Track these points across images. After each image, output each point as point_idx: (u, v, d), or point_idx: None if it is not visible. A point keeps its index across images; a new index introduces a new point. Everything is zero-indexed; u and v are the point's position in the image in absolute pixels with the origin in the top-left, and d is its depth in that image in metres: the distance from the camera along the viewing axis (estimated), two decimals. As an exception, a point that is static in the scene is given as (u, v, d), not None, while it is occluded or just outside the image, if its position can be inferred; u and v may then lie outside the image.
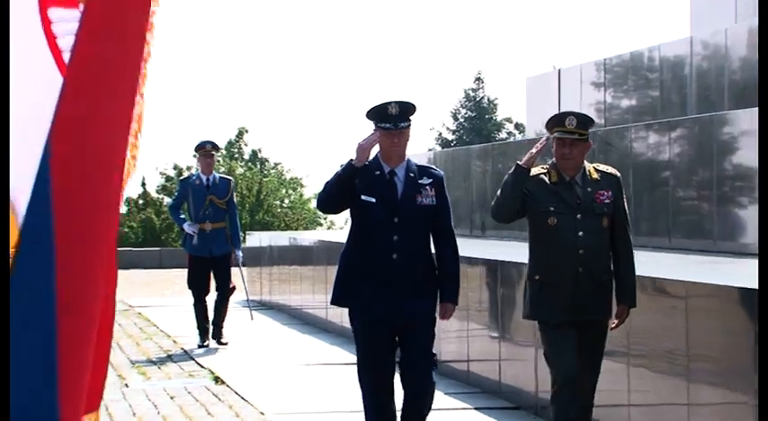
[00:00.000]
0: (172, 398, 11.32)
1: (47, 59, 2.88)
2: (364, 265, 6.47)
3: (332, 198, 6.42)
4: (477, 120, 63.02)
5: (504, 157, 20.15)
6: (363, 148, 6.17)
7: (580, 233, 6.40)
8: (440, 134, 62.67)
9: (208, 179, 14.70)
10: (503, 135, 64.01)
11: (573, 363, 6.35)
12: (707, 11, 21.09)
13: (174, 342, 16.24)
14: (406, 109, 6.33)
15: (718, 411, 7.51)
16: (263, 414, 11.01)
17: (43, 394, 3.07)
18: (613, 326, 6.54)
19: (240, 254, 15.37)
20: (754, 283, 6.55)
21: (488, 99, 66.07)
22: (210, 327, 14.73)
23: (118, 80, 2.85)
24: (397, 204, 6.40)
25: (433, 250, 6.95)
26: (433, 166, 6.77)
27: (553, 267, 6.51)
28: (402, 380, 6.53)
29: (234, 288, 15.13)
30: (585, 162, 6.59)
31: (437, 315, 6.70)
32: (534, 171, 6.52)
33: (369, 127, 7.23)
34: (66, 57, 2.79)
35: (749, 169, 12.65)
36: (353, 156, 6.18)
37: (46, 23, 2.85)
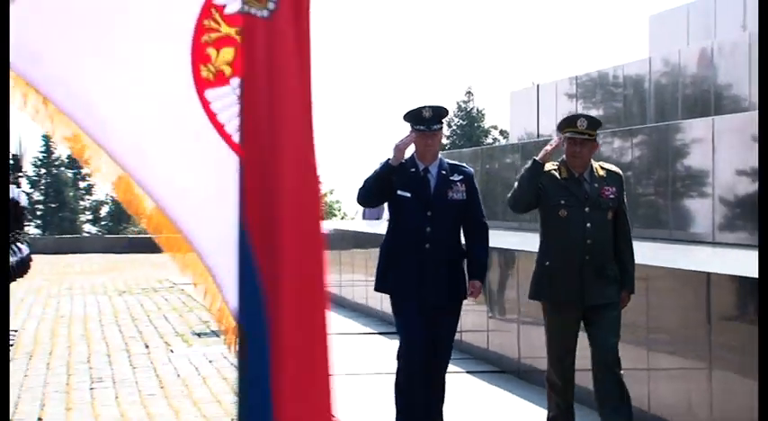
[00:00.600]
0: (210, 362, 11.39)
1: (215, 139, 2.71)
2: (400, 254, 6.33)
3: (371, 193, 6.29)
4: (468, 127, 63.96)
5: (491, 160, 21.22)
6: (399, 149, 6.07)
7: (588, 224, 6.19)
8: (436, 139, 63.74)
9: None
10: (489, 140, 64.58)
11: (566, 343, 6.26)
12: (663, 34, 21.65)
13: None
14: (439, 113, 6.23)
15: (674, 375, 7.58)
16: None
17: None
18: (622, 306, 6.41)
19: None
20: (703, 266, 6.76)
21: (477, 109, 66.90)
22: None
23: (291, 139, 2.66)
24: (430, 199, 6.25)
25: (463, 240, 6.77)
26: (464, 164, 6.57)
27: (562, 255, 6.28)
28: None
29: None
30: (592, 160, 6.40)
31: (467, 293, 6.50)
32: (546, 167, 6.31)
33: (395, 128, 7.27)
34: (235, 136, 2.63)
35: (699, 170, 12.86)
36: (391, 156, 6.09)
37: (205, 105, 2.70)
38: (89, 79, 2.58)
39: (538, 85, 24.44)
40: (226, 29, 2.58)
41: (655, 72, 18.27)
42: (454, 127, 63.47)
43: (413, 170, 6.18)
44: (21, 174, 9.39)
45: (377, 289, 6.56)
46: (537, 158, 6.08)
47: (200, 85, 2.61)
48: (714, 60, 16.66)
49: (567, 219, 6.14)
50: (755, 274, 7.28)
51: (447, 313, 6.27)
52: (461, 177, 6.33)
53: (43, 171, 38.38)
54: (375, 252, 8.11)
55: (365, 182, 6.21)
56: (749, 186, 11.72)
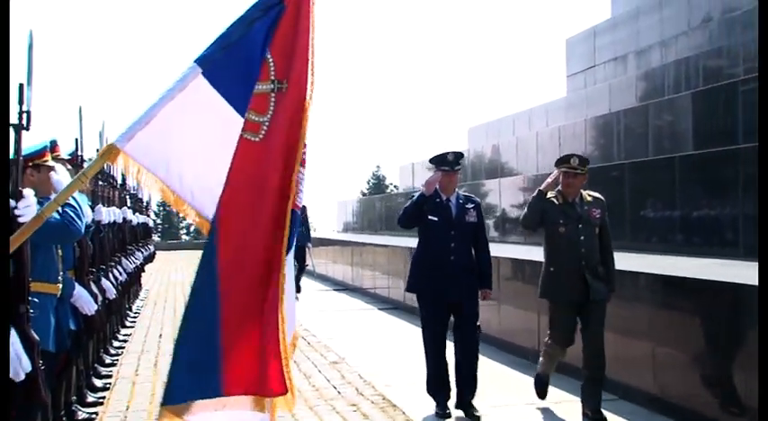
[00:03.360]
0: None
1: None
2: (430, 264, 7.32)
3: (410, 217, 7.29)
4: (376, 187, 59.08)
5: (390, 201, 24.33)
6: (430, 183, 7.16)
7: (582, 238, 7.00)
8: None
9: None
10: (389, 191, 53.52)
11: (568, 335, 7.16)
12: (579, 73, 22.64)
13: None
14: (459, 156, 7.39)
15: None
16: (340, 358, 12.28)
17: (209, 361, 3.43)
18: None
19: (310, 244, 18.42)
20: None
21: (382, 175, 61.96)
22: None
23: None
24: (453, 221, 7.27)
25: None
26: (473, 196, 7.70)
27: (563, 262, 7.05)
28: (455, 342, 7.44)
29: (306, 265, 18.55)
30: (581, 189, 7.20)
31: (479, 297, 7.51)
32: (547, 195, 7.18)
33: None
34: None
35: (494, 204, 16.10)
36: (424, 189, 7.21)
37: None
38: (178, 163, 3.40)
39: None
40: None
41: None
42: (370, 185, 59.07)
43: (438, 200, 7.27)
44: (148, 210, 13.69)
45: (408, 290, 7.77)
46: (541, 189, 7.12)
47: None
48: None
49: (566, 235, 7.03)
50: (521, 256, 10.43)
51: (467, 305, 7.33)
52: (473, 205, 7.45)
53: (162, 209, 49.37)
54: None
55: (405, 209, 7.30)
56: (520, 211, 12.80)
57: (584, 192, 7.20)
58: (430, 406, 7.75)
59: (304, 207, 15.71)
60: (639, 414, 7.21)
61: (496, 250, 11.48)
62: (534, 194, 7.22)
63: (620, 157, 14.29)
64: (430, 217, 7.23)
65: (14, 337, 3.63)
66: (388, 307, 15.77)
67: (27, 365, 3.68)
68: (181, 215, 3.59)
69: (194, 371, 3.35)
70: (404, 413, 7.54)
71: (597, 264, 7.05)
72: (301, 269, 18.06)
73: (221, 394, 3.40)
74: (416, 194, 7.31)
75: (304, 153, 3.50)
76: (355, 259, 19.12)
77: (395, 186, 37.68)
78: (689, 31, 17.88)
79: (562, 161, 7.18)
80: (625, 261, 8.11)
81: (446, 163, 7.28)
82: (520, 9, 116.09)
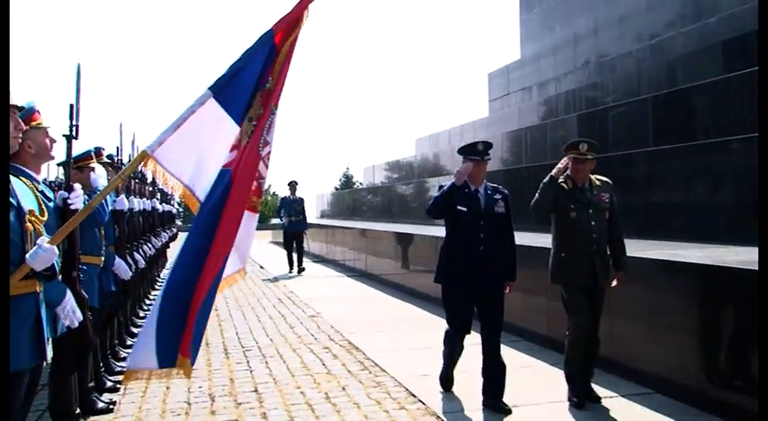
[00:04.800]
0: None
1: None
2: (459, 255, 5.73)
3: (440, 207, 5.73)
4: (345, 184, 51.84)
5: (357, 194, 22.01)
6: (461, 174, 5.66)
7: (593, 222, 5.67)
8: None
9: (293, 197, 16.39)
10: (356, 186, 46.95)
11: (588, 318, 5.65)
12: (497, 99, 22.14)
13: (262, 268, 18.14)
14: (489, 146, 5.83)
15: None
16: (317, 313, 11.98)
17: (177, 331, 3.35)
18: (614, 285, 5.74)
19: (307, 231, 16.97)
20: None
21: (350, 175, 54.96)
22: (295, 265, 16.39)
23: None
24: (482, 212, 5.72)
25: None
26: (501, 186, 5.99)
27: (575, 247, 5.71)
28: (482, 329, 5.80)
29: (303, 248, 16.72)
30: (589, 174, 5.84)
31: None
32: (558, 181, 5.82)
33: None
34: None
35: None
36: (455, 179, 5.65)
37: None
38: (195, 168, 3.40)
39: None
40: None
41: (491, 124, 19.01)
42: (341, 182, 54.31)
43: (467, 190, 5.75)
44: (172, 200, 13.21)
45: (436, 281, 5.93)
46: (552, 174, 5.73)
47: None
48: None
49: (577, 219, 5.69)
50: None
51: (496, 293, 5.75)
52: (501, 196, 5.85)
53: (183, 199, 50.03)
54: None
55: (435, 199, 5.77)
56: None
57: (593, 177, 5.88)
58: (384, 345, 7.87)
59: (301, 199, 16.31)
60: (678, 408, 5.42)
61: (437, 231, 11.60)
62: (546, 180, 5.79)
63: (527, 162, 14.37)
64: (459, 207, 5.74)
65: (69, 295, 3.66)
66: (355, 274, 15.76)
67: (79, 316, 3.70)
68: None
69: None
70: (364, 353, 7.59)
71: (606, 249, 5.79)
72: (300, 251, 16.47)
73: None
74: (446, 184, 5.77)
75: (269, 154, 3.53)
76: (329, 238, 19.16)
77: (360, 183, 37.57)
78: (575, 70, 18.19)
79: (571, 147, 5.81)
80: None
81: (476, 152, 5.78)
82: (459, 50, 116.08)
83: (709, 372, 5.30)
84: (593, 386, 5.75)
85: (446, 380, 6.08)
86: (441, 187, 5.81)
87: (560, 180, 5.76)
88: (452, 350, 5.97)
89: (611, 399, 5.68)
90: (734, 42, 11.40)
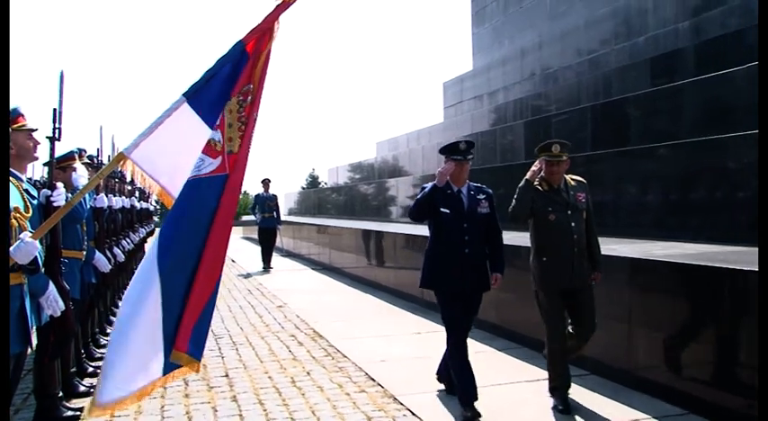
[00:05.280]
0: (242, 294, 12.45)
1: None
2: (444, 258, 5.12)
3: (421, 210, 5.14)
4: (311, 184, 46.91)
5: (322, 193, 23.78)
6: (442, 174, 5.09)
7: (572, 224, 5.11)
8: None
9: (267, 194, 15.64)
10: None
11: (562, 326, 5.19)
12: (451, 106, 22.22)
13: (234, 262, 17.55)
14: (471, 145, 5.20)
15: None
16: (284, 303, 11.86)
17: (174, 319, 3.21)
18: (593, 283, 5.22)
19: (280, 227, 16.01)
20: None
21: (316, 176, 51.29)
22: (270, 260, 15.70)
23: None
24: (465, 214, 5.11)
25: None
26: (484, 186, 5.36)
27: (557, 249, 5.12)
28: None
29: (274, 243, 15.92)
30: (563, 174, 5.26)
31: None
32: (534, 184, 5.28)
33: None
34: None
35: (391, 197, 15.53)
36: (436, 180, 5.08)
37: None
38: (170, 168, 3.33)
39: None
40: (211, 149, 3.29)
41: (446, 129, 18.78)
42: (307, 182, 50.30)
43: (449, 191, 5.16)
44: (150, 198, 12.42)
45: (422, 286, 5.31)
46: (527, 177, 5.21)
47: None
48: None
49: (557, 222, 5.13)
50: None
51: (477, 297, 5.20)
52: (485, 196, 5.23)
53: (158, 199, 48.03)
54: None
55: (417, 201, 5.20)
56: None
57: (568, 177, 5.29)
58: (346, 333, 7.84)
59: (275, 196, 15.60)
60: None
61: (396, 228, 12.06)
62: (521, 184, 5.26)
63: (478, 164, 14.37)
64: (442, 209, 5.11)
65: (51, 286, 3.64)
66: (319, 268, 15.58)
67: (62, 306, 3.69)
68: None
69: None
70: (327, 341, 7.57)
71: (585, 249, 5.20)
72: (271, 246, 15.73)
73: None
74: (428, 186, 5.19)
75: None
76: (295, 234, 18.99)
77: (325, 183, 37.42)
78: (521, 81, 18.28)
79: (543, 149, 5.22)
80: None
81: (458, 152, 5.15)
82: (416, 61, 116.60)
83: (636, 355, 5.40)
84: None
85: (469, 396, 4.98)
86: (423, 189, 5.24)
87: (535, 182, 5.22)
88: (463, 363, 5.05)
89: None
90: (660, 59, 11.71)
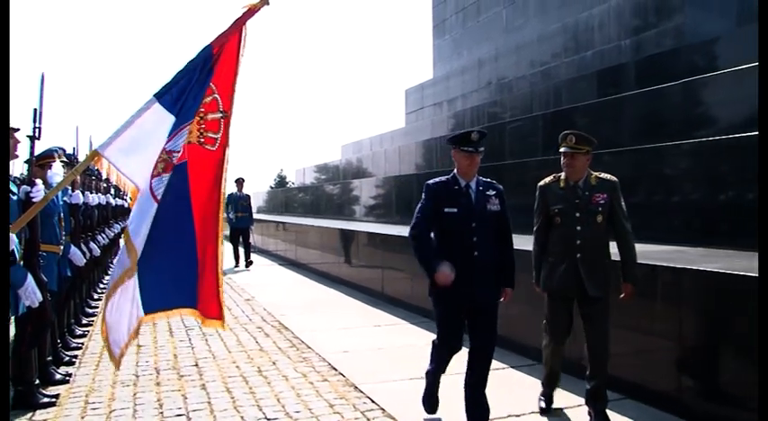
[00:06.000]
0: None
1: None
2: (452, 262, 4.12)
3: (427, 218, 4.25)
4: (279, 184, 47.15)
5: (290, 193, 23.53)
6: (447, 277, 4.08)
7: (578, 227, 4.35)
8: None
9: (240, 194, 14.98)
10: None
11: (561, 335, 4.53)
12: (413, 112, 22.21)
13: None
14: (483, 136, 4.30)
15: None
16: (251, 297, 11.78)
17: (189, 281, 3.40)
18: (622, 297, 4.38)
19: (253, 227, 15.33)
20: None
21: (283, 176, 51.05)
22: (241, 259, 14.84)
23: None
24: (474, 212, 4.24)
25: None
26: (494, 181, 4.46)
27: (559, 253, 4.43)
28: (471, 348, 4.29)
29: (250, 242, 15.10)
30: (590, 170, 4.49)
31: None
32: (548, 179, 4.63)
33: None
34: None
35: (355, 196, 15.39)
36: (438, 277, 4.10)
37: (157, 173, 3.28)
38: (139, 165, 3.24)
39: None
40: (164, 156, 3.25)
41: (407, 134, 18.24)
42: (275, 182, 50.14)
43: (456, 187, 4.29)
44: (125, 195, 11.79)
45: (430, 294, 4.32)
46: (541, 183, 4.64)
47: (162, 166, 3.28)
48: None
49: (562, 225, 4.44)
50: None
51: (489, 311, 4.24)
52: (495, 192, 4.37)
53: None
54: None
55: (417, 223, 4.25)
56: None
57: (594, 175, 4.49)
58: (310, 325, 7.83)
59: (248, 195, 15.11)
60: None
61: (359, 226, 12.03)
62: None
63: (437, 167, 14.40)
64: (447, 209, 4.25)
65: (30, 278, 3.63)
66: (285, 263, 15.49)
67: (39, 297, 3.69)
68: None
69: (178, 285, 3.39)
70: (292, 332, 7.57)
71: (600, 257, 4.38)
72: (247, 245, 14.94)
73: (196, 306, 3.49)
74: (423, 199, 4.34)
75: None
76: (263, 231, 18.85)
77: (292, 182, 37.13)
78: (479, 89, 18.37)
79: (560, 140, 4.54)
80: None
81: (469, 143, 4.27)
82: (380, 68, 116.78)
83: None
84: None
85: (431, 400, 4.57)
86: (420, 203, 4.34)
87: (552, 179, 4.60)
88: (438, 368, 4.50)
89: (502, 370, 5.64)
90: (606, 72, 11.94)
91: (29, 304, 3.62)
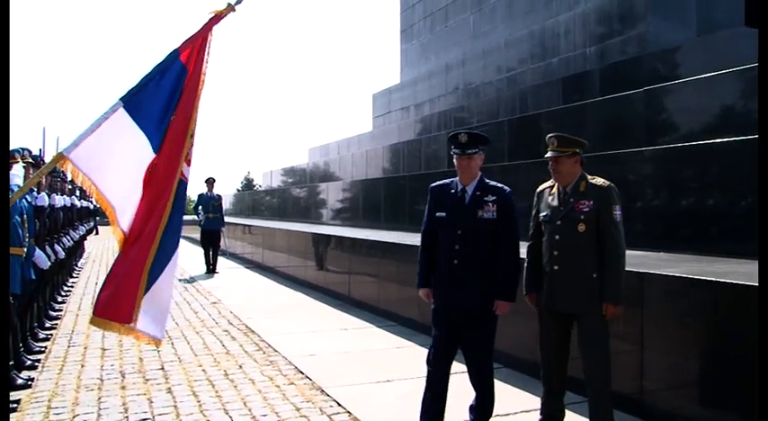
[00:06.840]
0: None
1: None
2: (438, 271, 3.99)
3: (431, 222, 4.09)
4: (246, 187, 50.24)
5: (257, 195, 23.21)
6: (427, 295, 4.09)
7: (556, 237, 3.99)
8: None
9: (211, 194, 14.36)
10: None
11: (549, 345, 4.10)
12: (380, 116, 22.34)
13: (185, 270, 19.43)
14: (475, 138, 4.02)
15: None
16: (218, 300, 12.14)
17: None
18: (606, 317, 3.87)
19: (224, 229, 14.83)
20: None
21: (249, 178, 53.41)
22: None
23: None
24: (460, 217, 3.96)
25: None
26: (503, 186, 4.04)
27: (545, 265, 4.06)
28: (467, 366, 4.03)
29: (218, 245, 14.49)
30: (586, 175, 4.06)
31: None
32: (544, 184, 4.28)
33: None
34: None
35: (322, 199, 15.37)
36: (420, 295, 4.13)
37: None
38: (105, 170, 3.20)
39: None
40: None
41: (374, 138, 18.51)
42: (242, 184, 52.27)
43: (452, 191, 4.06)
44: (90, 197, 11.21)
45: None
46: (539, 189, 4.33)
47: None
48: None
49: (546, 233, 4.12)
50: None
51: (475, 326, 3.94)
52: (494, 198, 3.98)
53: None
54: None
55: (423, 231, 4.15)
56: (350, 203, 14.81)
57: (587, 180, 4.06)
58: (277, 329, 7.82)
59: (219, 196, 14.61)
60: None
61: (326, 230, 11.97)
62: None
63: (404, 171, 14.60)
64: (438, 214, 4.06)
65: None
66: (251, 266, 15.39)
67: (1, 301, 3.61)
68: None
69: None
70: (259, 336, 7.54)
71: (582, 270, 3.92)
72: (216, 249, 14.26)
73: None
74: (428, 204, 4.19)
75: (189, 154, 3.40)
76: (230, 234, 18.76)
77: (259, 185, 37.06)
78: (446, 94, 18.54)
79: (545, 144, 4.20)
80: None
81: (456, 144, 4.05)
82: (348, 73, 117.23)
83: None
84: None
85: (429, 415, 4.07)
86: (426, 211, 4.18)
87: (547, 185, 4.27)
88: (426, 387, 4.07)
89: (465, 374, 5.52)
90: (570, 79, 12.12)
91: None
